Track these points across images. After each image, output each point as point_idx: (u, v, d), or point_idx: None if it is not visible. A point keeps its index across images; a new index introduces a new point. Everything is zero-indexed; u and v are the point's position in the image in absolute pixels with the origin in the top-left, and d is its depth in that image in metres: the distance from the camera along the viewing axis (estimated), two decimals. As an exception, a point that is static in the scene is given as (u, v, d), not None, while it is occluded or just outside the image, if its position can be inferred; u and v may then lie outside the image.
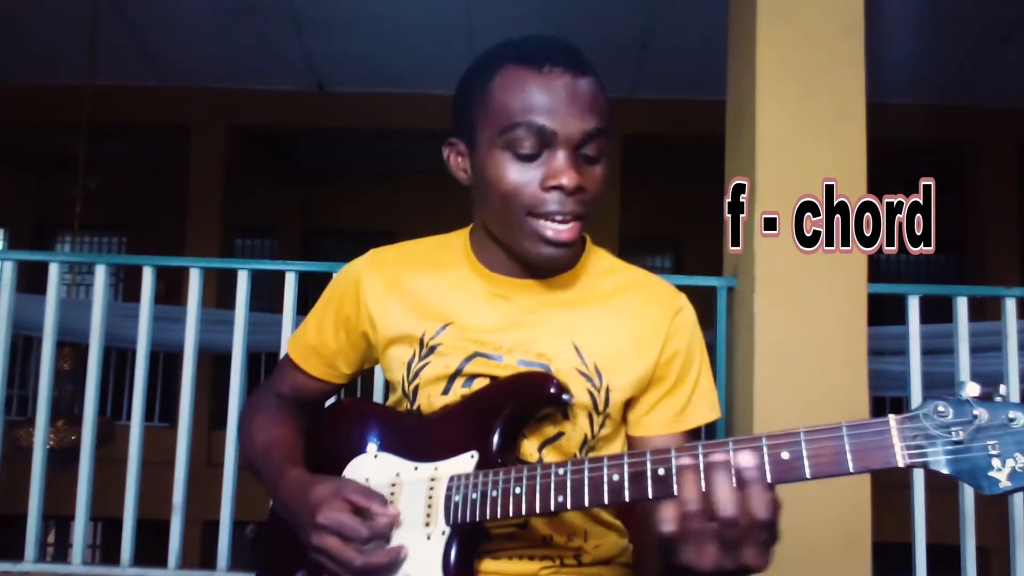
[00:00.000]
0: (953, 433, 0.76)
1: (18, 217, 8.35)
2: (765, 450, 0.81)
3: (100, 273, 2.67)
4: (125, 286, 8.21)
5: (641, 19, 5.15)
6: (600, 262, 1.15)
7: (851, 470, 0.78)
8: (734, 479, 0.78)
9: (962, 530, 2.50)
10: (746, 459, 0.78)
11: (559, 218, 1.00)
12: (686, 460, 0.82)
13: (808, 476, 0.80)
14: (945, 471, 0.77)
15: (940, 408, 0.77)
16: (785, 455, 0.80)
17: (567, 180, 0.98)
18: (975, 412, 0.76)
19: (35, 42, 5.66)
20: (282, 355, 1.30)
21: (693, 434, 1.12)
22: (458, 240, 1.16)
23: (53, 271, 2.69)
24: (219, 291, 5.55)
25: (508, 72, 1.01)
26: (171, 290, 5.24)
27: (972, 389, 0.78)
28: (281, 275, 2.67)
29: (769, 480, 0.80)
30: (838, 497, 2.25)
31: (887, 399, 5.71)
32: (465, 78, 1.07)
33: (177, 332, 2.80)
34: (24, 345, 6.25)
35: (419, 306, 1.10)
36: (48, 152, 7.72)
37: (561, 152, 0.99)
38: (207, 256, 5.97)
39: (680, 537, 0.79)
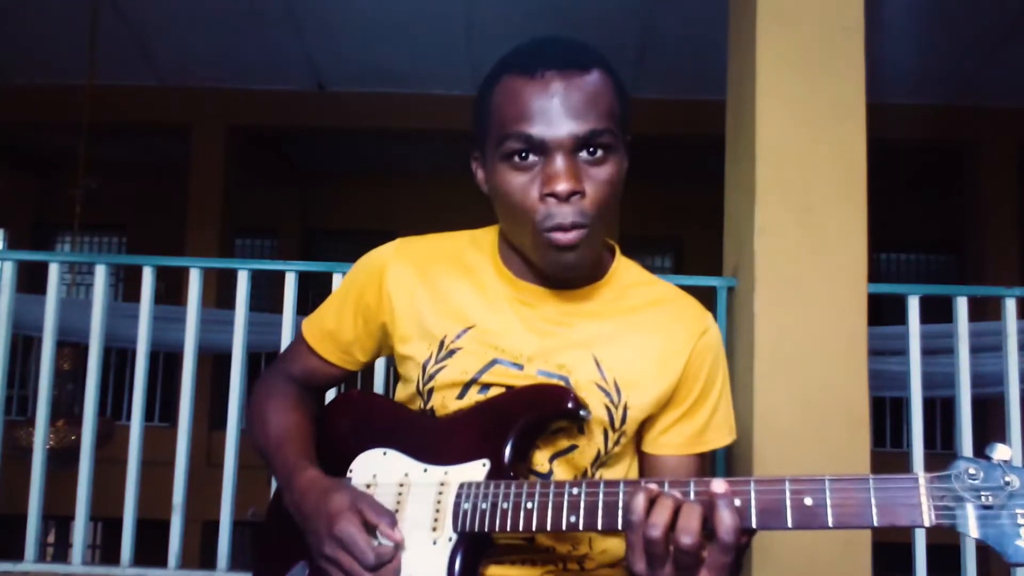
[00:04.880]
0: (983, 497, 0.76)
1: (18, 217, 8.35)
2: (788, 493, 0.80)
3: (100, 273, 2.67)
4: (125, 286, 8.21)
5: (641, 19, 5.15)
6: (628, 274, 1.12)
7: (875, 524, 0.77)
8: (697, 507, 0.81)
9: (962, 530, 2.50)
10: (719, 487, 0.81)
11: (561, 228, 0.98)
12: (705, 497, 0.82)
13: (830, 525, 0.79)
14: (973, 535, 0.76)
15: (971, 471, 0.77)
16: (808, 501, 0.80)
17: (560, 186, 0.96)
18: (1007, 478, 0.76)
19: (35, 42, 5.66)
20: (287, 342, 1.28)
21: (707, 456, 1.12)
22: (488, 240, 1.13)
23: (53, 271, 2.69)
24: (219, 291, 5.55)
25: (506, 83, 1.01)
26: (171, 290, 5.24)
27: (1003, 452, 0.77)
28: (281, 275, 2.66)
29: (790, 525, 0.80)
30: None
31: (887, 399, 5.72)
32: (478, 91, 1.07)
33: (177, 332, 2.79)
34: (24, 345, 6.25)
35: (443, 304, 1.09)
36: (48, 152, 7.73)
37: (557, 157, 0.97)
38: (207, 256, 5.97)
39: (640, 551, 0.83)
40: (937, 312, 2.90)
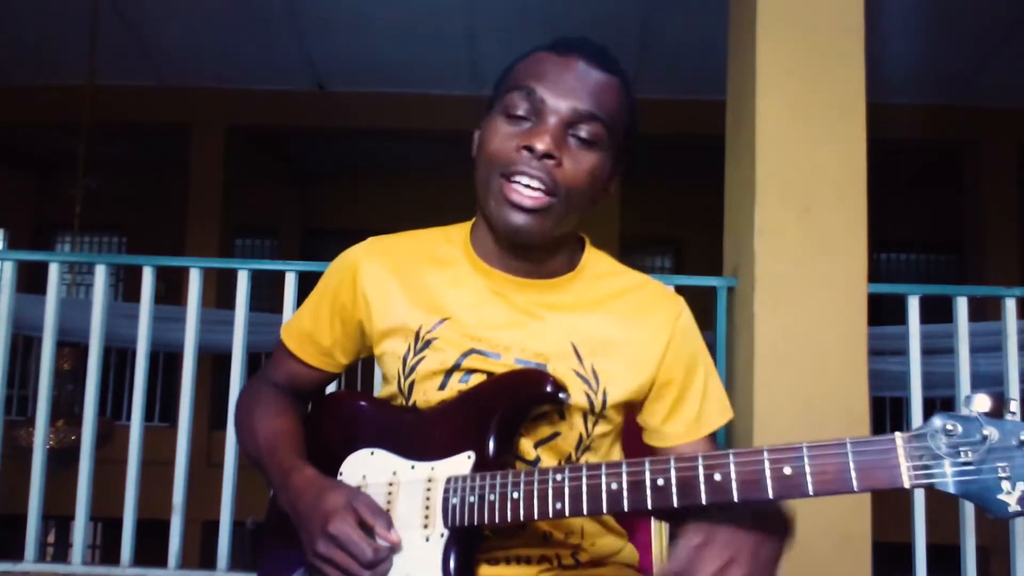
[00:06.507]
0: (962, 453, 0.74)
1: (18, 217, 8.35)
2: (767, 464, 0.80)
3: (100, 273, 2.67)
4: (125, 286, 8.21)
5: (641, 19, 5.15)
6: (599, 264, 1.14)
7: (855, 488, 0.77)
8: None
9: (962, 530, 2.50)
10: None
11: (524, 180, 0.99)
12: (685, 472, 0.82)
13: (811, 493, 0.78)
14: (952, 492, 0.75)
15: (948, 426, 0.75)
16: (787, 470, 0.79)
17: (540, 143, 0.98)
18: (985, 432, 0.73)
19: (35, 42, 5.66)
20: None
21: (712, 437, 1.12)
22: (460, 234, 1.14)
23: (53, 271, 2.69)
24: (219, 291, 5.54)
25: (533, 55, 1.06)
26: (171, 290, 5.24)
27: (981, 403, 0.75)
28: (281, 275, 2.67)
29: (771, 495, 0.79)
30: (837, 497, 2.24)
31: (887, 399, 5.71)
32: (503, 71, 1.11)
33: (177, 332, 2.80)
34: (24, 345, 6.25)
35: (417, 298, 1.09)
36: (48, 152, 7.73)
37: (549, 120, 1.00)
38: (207, 256, 5.96)
39: None
40: (937, 312, 2.90)
